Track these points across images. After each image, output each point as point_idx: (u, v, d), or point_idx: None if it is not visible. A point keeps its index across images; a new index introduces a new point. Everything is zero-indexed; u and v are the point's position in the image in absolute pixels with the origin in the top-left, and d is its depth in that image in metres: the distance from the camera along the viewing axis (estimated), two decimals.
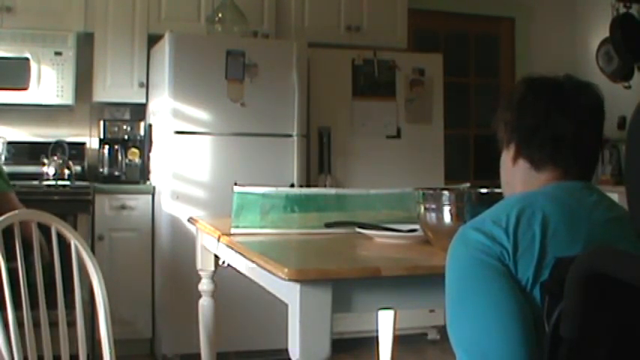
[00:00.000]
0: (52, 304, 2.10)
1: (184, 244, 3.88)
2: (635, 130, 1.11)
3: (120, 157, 4.41)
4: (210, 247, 2.55)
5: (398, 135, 4.54)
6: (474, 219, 1.34)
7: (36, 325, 2.05)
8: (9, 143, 4.37)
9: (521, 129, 1.43)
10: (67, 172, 4.22)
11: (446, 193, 1.86)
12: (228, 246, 2.17)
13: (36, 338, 2.04)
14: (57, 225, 2.20)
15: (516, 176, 1.45)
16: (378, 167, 4.46)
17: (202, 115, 4.04)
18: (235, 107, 4.07)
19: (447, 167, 4.71)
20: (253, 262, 1.83)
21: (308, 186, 4.21)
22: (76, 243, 2.20)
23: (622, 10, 5.03)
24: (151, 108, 4.41)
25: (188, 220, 2.89)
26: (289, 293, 1.61)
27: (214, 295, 2.80)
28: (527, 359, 1.20)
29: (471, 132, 5.69)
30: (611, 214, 1.34)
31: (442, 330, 4.50)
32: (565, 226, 1.27)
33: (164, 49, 4.02)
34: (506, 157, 1.48)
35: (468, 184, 2.59)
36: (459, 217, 1.81)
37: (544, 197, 1.33)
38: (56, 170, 4.21)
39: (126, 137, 4.44)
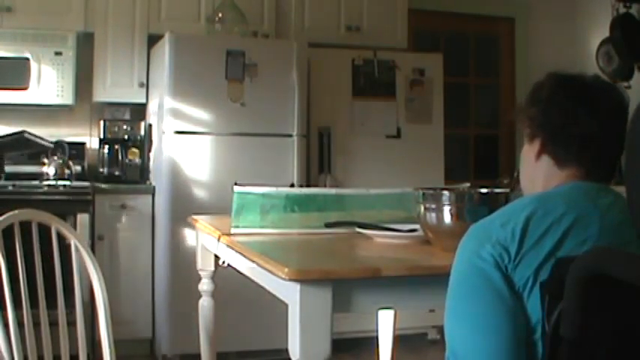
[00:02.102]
0: (52, 304, 2.10)
1: (184, 244, 3.88)
2: (636, 130, 1.11)
3: (120, 157, 4.41)
4: (210, 247, 2.55)
5: (398, 135, 4.54)
6: (485, 218, 1.34)
7: (36, 325, 2.05)
8: None
9: (547, 126, 1.42)
10: (67, 172, 4.23)
11: (446, 193, 1.86)
12: (228, 246, 2.17)
13: (36, 338, 2.04)
14: (57, 225, 2.20)
15: (539, 172, 1.45)
16: (378, 167, 4.46)
17: (202, 115, 4.04)
18: (235, 107, 4.07)
19: (447, 167, 4.71)
20: (253, 262, 1.83)
21: (308, 186, 4.21)
22: (76, 243, 2.20)
23: (622, 10, 5.03)
24: (151, 108, 4.41)
25: (188, 220, 2.89)
26: (289, 293, 1.61)
27: (214, 295, 2.80)
28: None
29: (471, 132, 5.69)
30: (624, 217, 1.33)
31: (442, 330, 4.49)
32: (576, 227, 1.27)
33: (164, 49, 4.02)
34: (530, 152, 1.47)
35: (468, 184, 2.59)
36: (459, 217, 1.81)
37: (558, 197, 1.33)
38: (56, 170, 4.21)
39: (126, 137, 4.44)
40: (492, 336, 1.24)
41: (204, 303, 2.80)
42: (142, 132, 4.46)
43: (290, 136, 4.16)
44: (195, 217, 2.77)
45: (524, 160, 1.50)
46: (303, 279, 1.56)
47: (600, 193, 1.37)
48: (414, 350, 4.36)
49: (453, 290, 1.31)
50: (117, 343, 2.19)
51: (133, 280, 4.13)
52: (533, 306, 1.23)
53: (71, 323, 2.14)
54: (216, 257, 2.62)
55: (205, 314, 2.80)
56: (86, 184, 4.10)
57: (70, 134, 4.51)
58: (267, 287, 1.83)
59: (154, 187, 4.21)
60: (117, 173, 4.39)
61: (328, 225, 2.32)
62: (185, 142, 4.00)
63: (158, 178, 4.16)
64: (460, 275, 1.30)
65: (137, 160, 4.43)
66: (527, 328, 1.23)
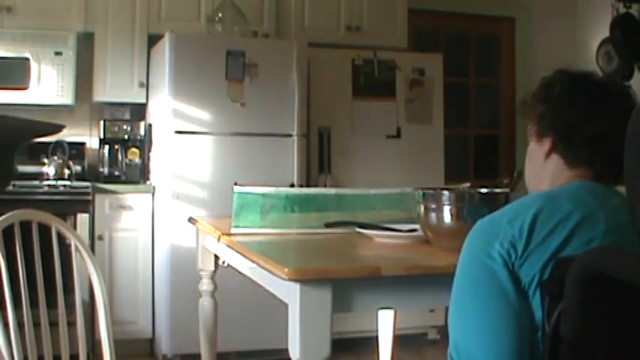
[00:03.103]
0: (52, 304, 2.10)
1: (184, 244, 3.88)
2: (636, 130, 1.11)
3: (120, 157, 4.41)
4: (211, 247, 2.55)
5: (398, 135, 4.54)
6: (492, 215, 1.33)
7: (36, 325, 2.05)
8: None
9: (558, 125, 1.40)
10: (67, 172, 4.23)
11: (446, 193, 1.85)
12: (228, 246, 2.17)
13: (36, 338, 2.04)
14: (57, 225, 2.20)
15: (546, 170, 1.43)
16: (378, 167, 4.46)
17: (202, 115, 4.04)
18: (235, 107, 4.07)
19: (447, 167, 4.70)
20: (253, 262, 1.83)
21: (308, 186, 4.21)
22: (76, 243, 2.20)
23: (622, 10, 5.03)
24: (151, 108, 4.41)
25: (188, 220, 2.89)
26: (289, 293, 1.61)
27: (214, 295, 2.80)
28: None
29: (471, 132, 5.69)
30: (629, 219, 1.33)
31: (442, 330, 4.50)
32: (583, 226, 1.27)
33: (164, 49, 4.02)
34: (538, 150, 1.44)
35: (468, 184, 2.59)
36: (459, 217, 1.81)
37: (565, 196, 1.32)
38: (56, 170, 4.22)
39: (126, 137, 4.44)
40: (494, 334, 1.23)
41: (204, 303, 2.80)
42: (142, 132, 4.46)
43: (290, 136, 4.16)
44: (195, 217, 2.77)
45: (531, 158, 1.48)
46: (303, 279, 1.56)
47: (607, 194, 1.36)
48: (414, 350, 4.36)
49: (458, 285, 1.31)
50: (117, 343, 2.19)
51: (133, 280, 4.13)
52: (538, 303, 1.22)
53: (71, 323, 2.14)
54: (216, 257, 2.62)
55: (205, 314, 2.80)
56: (86, 184, 4.10)
57: (70, 134, 4.49)
58: (267, 287, 1.83)
59: (153, 187, 4.21)
60: (117, 173, 4.39)
61: (328, 225, 2.32)
62: (185, 142, 4.00)
63: (158, 178, 4.16)
64: (466, 271, 1.30)
65: (137, 160, 4.43)
66: (531, 326, 1.23)
